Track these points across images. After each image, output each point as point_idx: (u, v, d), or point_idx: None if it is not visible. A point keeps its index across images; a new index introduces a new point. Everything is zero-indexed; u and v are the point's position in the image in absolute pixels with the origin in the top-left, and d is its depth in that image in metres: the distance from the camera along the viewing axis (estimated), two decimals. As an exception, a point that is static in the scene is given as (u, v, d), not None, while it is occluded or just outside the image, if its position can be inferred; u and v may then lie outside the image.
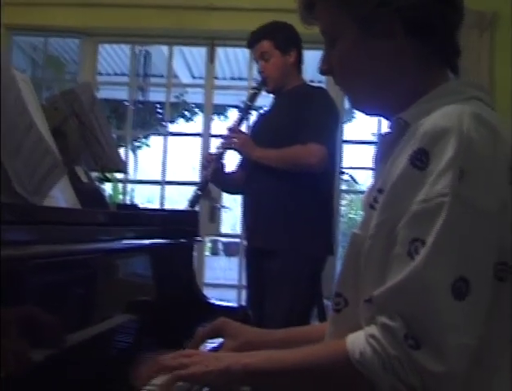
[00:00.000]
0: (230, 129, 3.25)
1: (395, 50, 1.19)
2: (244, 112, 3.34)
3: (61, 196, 1.51)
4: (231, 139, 3.19)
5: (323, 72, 1.30)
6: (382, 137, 1.23)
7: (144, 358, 1.23)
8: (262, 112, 3.61)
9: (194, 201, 3.12)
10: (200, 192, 3.16)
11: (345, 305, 1.18)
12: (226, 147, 3.21)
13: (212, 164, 3.17)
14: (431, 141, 1.05)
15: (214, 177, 3.20)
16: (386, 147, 1.19)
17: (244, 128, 3.37)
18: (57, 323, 1.21)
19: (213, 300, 2.05)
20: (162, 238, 1.82)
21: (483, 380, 1.06)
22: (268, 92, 3.36)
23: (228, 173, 3.33)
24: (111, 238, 1.51)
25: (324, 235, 3.15)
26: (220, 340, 1.45)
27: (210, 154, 3.30)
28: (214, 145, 3.45)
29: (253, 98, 3.32)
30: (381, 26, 1.18)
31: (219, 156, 3.21)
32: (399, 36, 1.18)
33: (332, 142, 3.13)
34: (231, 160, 3.39)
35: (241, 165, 3.34)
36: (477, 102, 1.14)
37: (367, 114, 1.35)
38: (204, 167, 3.24)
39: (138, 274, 1.76)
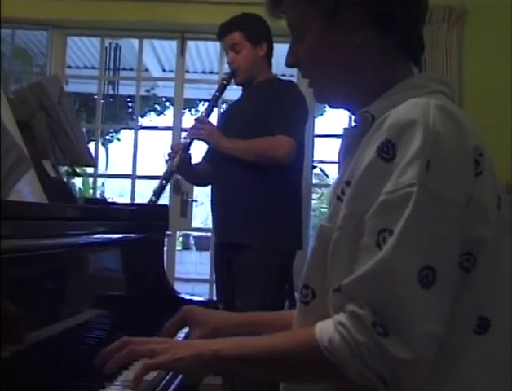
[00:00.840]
0: (197, 120, 3.22)
1: (360, 43, 1.21)
2: (213, 103, 3.29)
3: (28, 190, 1.49)
4: (199, 130, 3.16)
5: (289, 64, 1.31)
6: (347, 130, 1.24)
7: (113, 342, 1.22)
8: (230, 103, 3.60)
9: (159, 192, 3.05)
10: (164, 182, 3.10)
11: (312, 296, 1.18)
12: (193, 137, 3.18)
13: (178, 154, 3.13)
14: (397, 133, 1.06)
15: (179, 168, 3.17)
16: (351, 140, 1.20)
17: (212, 119, 3.33)
18: (25, 319, 1.19)
19: (182, 295, 2.05)
20: (131, 232, 1.81)
21: (446, 368, 1.07)
22: (237, 84, 3.34)
23: (194, 165, 3.30)
24: (78, 232, 1.49)
25: (292, 229, 3.14)
26: (186, 329, 1.45)
27: (177, 144, 3.27)
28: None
29: (221, 89, 3.28)
30: (347, 18, 1.20)
31: (186, 147, 3.17)
32: (364, 28, 1.20)
33: (300, 135, 3.12)
34: (198, 152, 3.38)
35: (206, 157, 3.33)
36: (441, 95, 1.16)
37: (331, 107, 1.38)
38: (170, 157, 3.17)
39: (107, 269, 1.75)
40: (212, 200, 3.29)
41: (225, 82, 3.27)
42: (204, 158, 3.35)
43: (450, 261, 1.04)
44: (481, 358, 1.09)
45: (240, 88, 3.39)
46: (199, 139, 3.20)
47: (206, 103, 3.38)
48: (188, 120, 3.41)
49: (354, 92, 1.25)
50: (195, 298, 2.06)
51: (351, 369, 1.01)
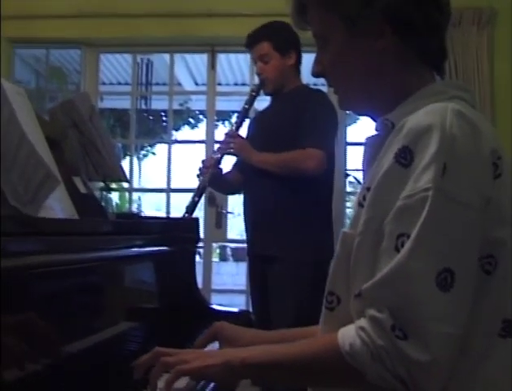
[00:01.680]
0: (227, 134, 3.21)
1: (381, 50, 1.22)
2: (242, 115, 3.29)
3: (59, 207, 1.52)
4: (229, 144, 3.16)
5: (315, 74, 1.33)
6: (369, 139, 1.24)
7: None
8: (258, 113, 3.57)
9: (191, 208, 3.05)
10: (197, 199, 3.08)
11: (337, 303, 1.19)
12: (223, 152, 3.18)
13: (209, 170, 3.13)
14: (415, 138, 1.07)
15: (211, 182, 3.17)
16: (373, 148, 1.21)
17: (243, 130, 3.32)
18: (59, 331, 1.22)
19: (215, 306, 2.06)
20: (162, 245, 1.83)
21: (469, 371, 1.07)
22: (266, 94, 3.33)
23: (224, 175, 3.29)
24: (109, 247, 1.51)
25: (324, 239, 3.10)
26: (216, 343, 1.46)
27: (208, 159, 3.25)
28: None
29: (251, 101, 3.27)
30: (368, 26, 1.21)
31: (217, 162, 3.17)
32: (386, 35, 1.21)
33: (330, 147, 3.11)
34: (229, 161, 3.37)
35: (236, 165, 3.33)
36: (459, 101, 1.16)
37: (356, 114, 1.39)
38: (201, 172, 3.17)
39: (138, 282, 1.77)
40: (244, 212, 3.28)
41: (254, 93, 3.27)
42: (234, 166, 3.35)
43: (468, 263, 1.05)
44: (506, 362, 1.08)
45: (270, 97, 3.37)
46: (229, 154, 3.21)
47: (235, 116, 3.37)
48: (221, 132, 3.38)
49: (375, 99, 1.27)
50: (227, 308, 2.07)
51: (372, 372, 1.03)
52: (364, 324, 1.05)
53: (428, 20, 1.21)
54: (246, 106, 3.26)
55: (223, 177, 3.28)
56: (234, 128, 3.24)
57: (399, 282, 1.02)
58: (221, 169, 3.22)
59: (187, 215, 3.02)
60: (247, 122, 3.44)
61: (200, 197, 3.10)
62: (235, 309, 2.09)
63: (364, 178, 1.24)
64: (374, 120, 1.26)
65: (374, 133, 1.24)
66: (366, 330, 1.04)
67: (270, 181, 3.05)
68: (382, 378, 1.02)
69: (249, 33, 3.26)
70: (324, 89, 3.23)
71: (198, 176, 3.17)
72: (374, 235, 1.09)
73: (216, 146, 4.66)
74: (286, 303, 2.96)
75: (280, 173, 3.02)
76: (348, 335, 1.07)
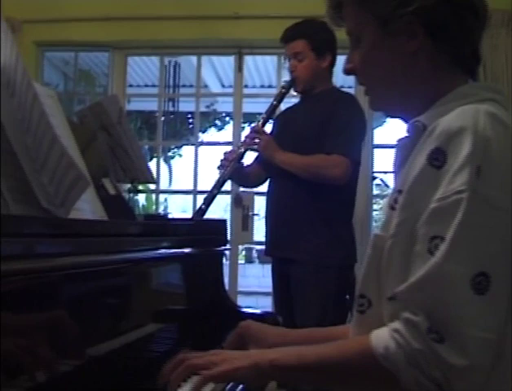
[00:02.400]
0: (253, 129, 3.15)
1: (413, 51, 1.21)
2: (270, 112, 3.21)
3: (88, 208, 1.54)
4: (254, 140, 3.10)
5: (347, 71, 1.33)
6: (400, 141, 1.23)
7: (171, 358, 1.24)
8: (285, 110, 3.47)
9: (209, 201, 3.02)
10: (216, 191, 3.04)
11: (368, 306, 1.19)
12: (247, 147, 3.12)
13: (231, 163, 3.08)
14: (447, 140, 1.06)
15: (231, 176, 3.13)
16: (404, 150, 1.20)
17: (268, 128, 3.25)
18: (88, 333, 1.23)
19: (242, 308, 2.06)
20: (189, 247, 1.83)
21: (504, 375, 1.06)
22: (296, 92, 3.27)
23: (245, 168, 3.25)
24: (137, 248, 1.52)
25: (346, 243, 3.07)
26: None
27: (230, 153, 3.18)
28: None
29: (280, 98, 3.22)
30: (401, 26, 1.21)
31: (239, 157, 3.12)
32: (418, 37, 1.20)
33: (357, 154, 3.03)
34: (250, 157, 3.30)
35: (258, 160, 3.26)
36: (492, 103, 1.15)
37: (386, 115, 1.39)
38: (222, 165, 3.11)
39: (166, 284, 1.78)
40: (266, 212, 3.24)
41: (284, 90, 3.21)
42: (256, 160, 3.30)
43: (504, 267, 1.03)
44: None
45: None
46: (253, 150, 3.15)
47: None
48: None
49: (406, 100, 1.26)
50: (254, 310, 2.07)
51: (407, 376, 1.02)
52: (399, 327, 1.04)
53: (463, 24, 1.20)
54: (275, 102, 3.21)
55: (244, 172, 3.24)
56: (260, 123, 3.16)
57: (434, 285, 1.02)
58: (242, 164, 3.18)
59: (203, 207, 3.01)
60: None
61: (219, 190, 3.06)
62: (263, 311, 2.09)
63: (395, 181, 1.23)
64: (405, 122, 1.26)
65: (405, 135, 1.23)
66: (401, 332, 1.03)
67: (293, 183, 3.01)
68: (418, 382, 1.01)
69: (286, 28, 3.19)
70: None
71: (219, 168, 3.13)
72: (407, 237, 1.09)
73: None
74: (310, 307, 2.93)
75: (303, 176, 2.97)
76: (382, 337, 1.06)
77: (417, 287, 1.03)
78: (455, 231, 1.01)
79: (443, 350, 0.99)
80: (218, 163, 3.13)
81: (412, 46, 1.21)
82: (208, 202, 3.02)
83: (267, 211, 3.23)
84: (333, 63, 3.20)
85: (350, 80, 4.89)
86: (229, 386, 1.36)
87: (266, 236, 3.23)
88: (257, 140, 3.09)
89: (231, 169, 3.08)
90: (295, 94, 3.34)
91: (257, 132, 3.11)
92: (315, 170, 2.96)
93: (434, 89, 1.22)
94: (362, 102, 3.16)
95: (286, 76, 3.31)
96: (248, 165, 3.28)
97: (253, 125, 3.25)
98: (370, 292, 1.19)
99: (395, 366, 1.03)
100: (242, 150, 3.13)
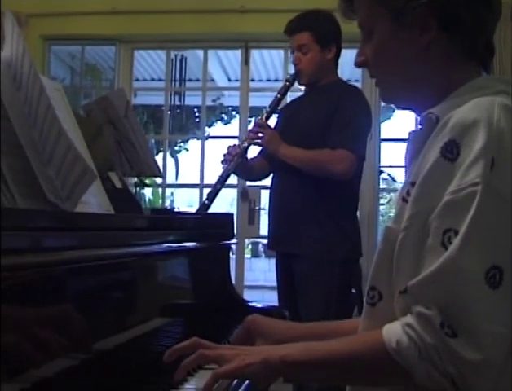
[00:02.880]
0: (257, 123, 3.12)
1: (426, 44, 1.21)
2: (275, 105, 3.18)
3: (95, 202, 1.54)
4: (258, 134, 3.06)
5: (358, 64, 1.33)
6: (413, 134, 1.23)
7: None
8: (290, 103, 3.48)
9: (213, 196, 3.00)
10: (219, 186, 3.02)
11: (379, 298, 1.18)
12: (251, 142, 3.09)
13: (235, 158, 3.05)
14: (461, 132, 1.06)
15: (235, 170, 3.11)
16: (417, 143, 1.20)
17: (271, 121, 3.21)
18: (93, 327, 1.23)
19: (249, 302, 2.06)
20: (196, 241, 1.83)
21: None
22: (301, 84, 3.24)
23: (249, 161, 3.22)
24: (144, 242, 1.52)
25: (350, 237, 3.04)
26: None
27: (234, 147, 3.13)
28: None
29: (284, 91, 3.18)
30: (414, 19, 1.20)
31: (243, 151, 3.09)
32: (431, 29, 1.20)
33: (362, 149, 3.01)
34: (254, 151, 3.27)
35: (262, 153, 3.24)
36: (506, 95, 1.14)
37: (397, 107, 1.40)
38: (226, 160, 3.08)
39: (173, 278, 1.77)
40: (270, 208, 3.21)
41: (288, 83, 3.17)
42: (260, 153, 3.27)
43: None
44: None
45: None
46: (257, 144, 3.12)
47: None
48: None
49: (418, 93, 1.26)
50: (261, 305, 2.07)
51: (420, 370, 1.02)
52: (411, 321, 1.04)
53: (476, 17, 1.19)
54: (279, 95, 3.17)
55: (248, 165, 3.21)
56: (264, 117, 3.13)
57: (447, 279, 1.01)
58: (246, 158, 3.16)
59: (207, 202, 2.99)
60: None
61: (222, 185, 3.04)
62: (270, 305, 2.09)
63: (406, 173, 1.22)
64: (417, 114, 1.25)
65: (417, 127, 1.23)
66: (413, 327, 1.03)
67: (297, 177, 2.98)
68: (430, 376, 1.01)
69: (290, 20, 3.15)
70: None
71: (222, 163, 3.10)
72: (419, 230, 1.08)
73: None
74: (313, 302, 2.91)
75: (306, 171, 2.95)
76: (394, 331, 1.05)
77: (431, 281, 1.03)
78: (469, 225, 1.01)
79: (457, 345, 0.98)
80: (222, 158, 3.11)
81: (425, 39, 1.21)
82: (212, 197, 3.00)
83: (270, 205, 3.21)
84: (338, 55, 3.16)
85: (357, 73, 4.89)
86: (235, 382, 1.35)
87: (268, 230, 3.21)
88: (260, 134, 3.06)
89: (235, 163, 3.05)
90: (301, 87, 3.32)
91: (260, 126, 3.08)
92: (319, 165, 2.94)
93: (447, 81, 1.21)
94: (368, 95, 3.16)
95: (292, 70, 3.26)
96: (252, 158, 3.25)
97: (257, 119, 3.22)
98: (381, 285, 1.18)
99: (408, 361, 1.02)
100: (246, 144, 3.10)
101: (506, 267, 1.00)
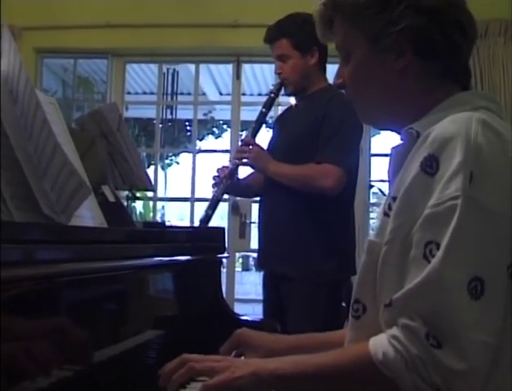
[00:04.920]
0: (243, 141, 2.98)
1: (402, 68, 1.24)
2: (260, 120, 3.01)
3: (88, 215, 1.55)
4: (244, 153, 2.90)
5: (337, 85, 1.37)
6: (394, 149, 1.25)
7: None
8: (283, 112, 3.31)
9: (205, 222, 2.87)
10: (210, 212, 2.88)
11: (363, 311, 1.20)
12: (238, 163, 2.94)
13: (224, 180, 2.92)
14: (440, 147, 1.08)
15: (227, 192, 3.00)
16: (398, 158, 1.21)
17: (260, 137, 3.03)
18: (86, 339, 1.23)
19: (240, 315, 2.07)
20: (188, 255, 1.84)
21: (501, 379, 1.07)
22: (288, 95, 3.09)
23: (243, 179, 3.12)
24: (136, 255, 1.53)
25: (338, 257, 2.85)
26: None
27: (222, 169, 2.98)
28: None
29: (269, 104, 3.01)
30: (390, 43, 1.23)
31: (231, 173, 2.94)
32: (407, 54, 1.23)
33: (351, 162, 2.84)
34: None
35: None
36: (485, 111, 1.17)
37: (376, 127, 1.41)
38: (216, 184, 2.95)
39: (164, 291, 1.78)
40: (258, 226, 3.08)
41: (273, 95, 3.01)
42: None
43: (498, 271, 1.05)
44: None
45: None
46: (244, 164, 2.96)
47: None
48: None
49: (395, 114, 1.28)
50: (251, 318, 2.08)
51: (407, 382, 1.03)
52: (397, 333, 1.05)
53: (450, 43, 1.22)
54: (264, 109, 3.01)
55: (242, 183, 3.10)
56: (250, 134, 2.98)
57: (431, 291, 1.03)
58: (237, 178, 3.03)
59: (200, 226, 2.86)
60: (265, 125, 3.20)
61: (213, 210, 2.90)
62: (260, 319, 2.09)
63: (389, 188, 1.25)
64: (397, 133, 1.28)
65: (399, 142, 1.25)
66: (399, 338, 1.04)
67: (284, 194, 2.84)
68: (417, 387, 1.02)
69: (268, 27, 3.02)
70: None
71: (213, 186, 2.97)
72: (401, 243, 1.10)
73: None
74: (300, 324, 2.73)
75: (294, 187, 2.80)
76: (380, 344, 1.07)
77: (415, 293, 1.04)
78: (450, 237, 1.03)
79: (442, 355, 1.00)
80: (212, 181, 2.98)
81: (400, 64, 1.24)
82: (204, 224, 2.87)
83: (258, 222, 3.09)
84: (323, 59, 2.99)
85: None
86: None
87: (258, 248, 3.09)
88: (246, 154, 2.90)
89: (224, 187, 2.93)
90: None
91: (247, 143, 2.94)
92: (305, 181, 2.79)
93: (424, 103, 1.24)
94: None
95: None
96: (248, 175, 3.14)
97: (244, 136, 3.09)
98: (365, 298, 1.20)
99: (395, 373, 1.04)
100: (233, 166, 2.96)
101: (488, 278, 1.02)
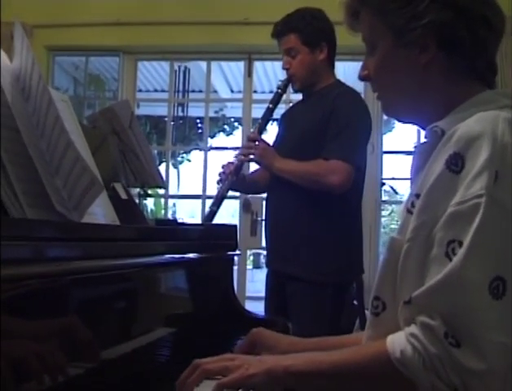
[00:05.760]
0: (249, 138, 2.91)
1: (426, 63, 1.23)
2: (267, 116, 2.96)
3: (100, 213, 1.54)
4: (250, 150, 2.86)
5: (362, 78, 1.36)
6: (418, 147, 1.24)
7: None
8: (290, 107, 3.25)
9: (210, 219, 2.82)
10: (215, 209, 2.83)
11: (383, 308, 1.19)
12: (243, 159, 2.89)
13: (229, 177, 2.87)
14: (466, 145, 1.08)
15: (232, 189, 2.96)
16: (422, 156, 1.21)
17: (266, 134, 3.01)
18: (99, 337, 1.23)
19: (252, 313, 2.07)
20: (200, 252, 1.84)
21: None
22: (296, 91, 3.05)
23: (250, 175, 3.09)
24: (149, 253, 1.53)
25: (344, 258, 2.80)
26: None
27: (227, 166, 2.93)
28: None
29: (276, 100, 2.96)
30: (414, 38, 1.22)
31: (236, 169, 2.88)
32: (431, 49, 1.22)
33: (359, 159, 2.78)
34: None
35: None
36: (510, 110, 1.16)
37: (399, 121, 1.40)
38: (221, 180, 2.91)
39: (176, 289, 1.78)
40: (265, 224, 3.04)
41: (280, 91, 2.96)
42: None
43: None
44: None
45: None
46: (250, 160, 2.94)
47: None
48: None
49: (418, 108, 1.28)
50: (263, 316, 2.08)
51: (424, 380, 1.02)
52: (416, 331, 1.05)
53: (476, 38, 1.21)
54: (271, 105, 2.95)
55: (248, 179, 3.06)
56: (257, 130, 2.94)
57: (452, 289, 1.02)
58: (242, 175, 2.97)
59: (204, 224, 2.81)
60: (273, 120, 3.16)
61: (218, 207, 2.85)
62: (272, 317, 2.09)
63: (411, 186, 1.23)
64: (420, 127, 1.27)
65: (423, 141, 1.24)
66: (418, 337, 1.04)
67: (290, 191, 2.80)
68: (435, 386, 1.02)
69: (276, 22, 2.97)
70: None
71: (218, 183, 2.93)
72: (424, 241, 1.10)
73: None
74: (303, 327, 2.51)
75: (301, 184, 2.75)
76: (398, 342, 1.07)
77: (435, 291, 1.04)
78: (473, 236, 1.02)
79: (460, 354, 1.00)
80: (217, 177, 2.95)
81: (424, 58, 1.23)
82: (209, 221, 2.83)
83: (265, 221, 3.05)
84: (332, 55, 2.94)
85: (360, 85, 4.90)
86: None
87: (266, 247, 3.06)
88: (252, 150, 2.86)
89: (229, 183, 2.88)
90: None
91: (253, 140, 2.88)
92: (312, 178, 2.73)
93: (448, 98, 1.23)
94: (371, 107, 3.01)
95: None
96: (254, 171, 3.13)
97: (250, 132, 3.06)
98: (385, 295, 1.19)
99: (412, 371, 1.03)
100: (238, 162, 2.90)
101: (510, 278, 1.02)
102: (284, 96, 3.19)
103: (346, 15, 1.36)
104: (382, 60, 1.28)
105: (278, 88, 3.00)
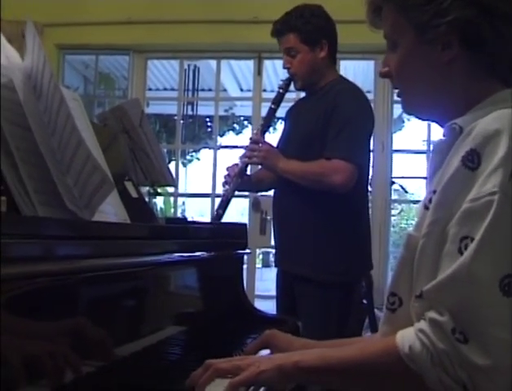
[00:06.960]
0: (252, 140, 2.88)
1: (448, 61, 1.23)
2: (269, 118, 2.96)
3: (111, 211, 1.55)
4: (253, 152, 2.83)
5: (382, 74, 1.35)
6: (436, 144, 1.24)
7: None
8: (295, 105, 3.17)
9: (216, 221, 2.81)
10: (221, 212, 2.82)
11: (399, 304, 1.19)
12: (247, 162, 2.87)
13: (234, 179, 2.86)
14: (483, 142, 1.07)
15: (238, 190, 2.93)
16: (440, 153, 1.20)
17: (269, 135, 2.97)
18: (109, 335, 1.24)
19: (262, 312, 2.07)
20: (210, 251, 1.84)
21: None
22: (298, 90, 3.05)
23: (255, 174, 3.09)
24: (159, 251, 1.53)
25: (350, 257, 2.78)
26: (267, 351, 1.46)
27: (232, 168, 2.92)
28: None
29: (278, 100, 2.94)
30: (436, 35, 1.22)
31: (241, 171, 2.87)
32: (453, 46, 1.22)
33: (361, 157, 2.76)
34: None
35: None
36: None
37: (419, 118, 1.40)
38: (226, 182, 2.89)
39: (187, 287, 1.78)
40: (273, 221, 3.03)
41: (281, 90, 2.93)
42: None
43: None
44: None
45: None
46: (253, 163, 2.92)
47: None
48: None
49: (439, 106, 1.27)
50: (274, 315, 2.07)
51: (432, 376, 1.03)
52: (424, 327, 1.05)
53: (499, 36, 1.20)
54: (273, 106, 2.93)
55: (253, 178, 3.05)
56: (260, 131, 2.91)
57: (461, 285, 1.02)
58: (247, 176, 2.97)
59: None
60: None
61: (224, 210, 2.84)
62: (282, 316, 2.09)
63: (430, 183, 1.23)
64: (440, 125, 1.27)
65: (441, 138, 1.23)
66: (426, 332, 1.04)
67: (295, 192, 2.79)
68: (442, 382, 1.02)
69: (275, 21, 2.93)
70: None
71: (223, 185, 2.92)
72: (438, 237, 1.10)
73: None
74: (312, 327, 2.53)
75: (304, 185, 2.73)
76: (408, 337, 1.07)
77: (444, 286, 1.04)
78: (484, 233, 1.02)
79: (468, 350, 1.00)
80: (223, 179, 2.93)
81: (446, 56, 1.22)
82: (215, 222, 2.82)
83: (273, 220, 3.05)
84: (333, 51, 2.91)
85: (370, 84, 4.89)
86: (251, 389, 1.36)
87: (275, 246, 3.05)
88: (255, 152, 2.83)
89: (234, 185, 2.86)
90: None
91: (256, 142, 2.87)
92: (315, 178, 2.71)
93: (469, 97, 1.22)
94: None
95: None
96: (259, 170, 3.11)
97: (252, 133, 3.03)
98: (402, 291, 1.19)
99: (420, 366, 1.04)
100: (242, 164, 2.89)
101: None
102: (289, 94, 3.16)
103: (368, 12, 1.36)
104: (404, 57, 1.28)
105: (279, 88, 2.97)
